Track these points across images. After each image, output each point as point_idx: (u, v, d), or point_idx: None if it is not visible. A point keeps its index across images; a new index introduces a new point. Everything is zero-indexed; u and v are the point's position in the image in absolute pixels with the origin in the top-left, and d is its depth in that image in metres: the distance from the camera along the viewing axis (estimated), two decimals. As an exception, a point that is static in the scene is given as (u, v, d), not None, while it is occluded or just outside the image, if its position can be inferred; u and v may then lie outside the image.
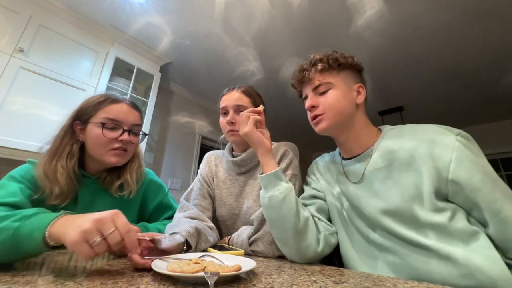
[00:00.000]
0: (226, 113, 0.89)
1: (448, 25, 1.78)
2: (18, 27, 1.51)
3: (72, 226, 0.39)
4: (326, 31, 1.87)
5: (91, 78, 1.80)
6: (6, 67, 1.43)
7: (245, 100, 0.87)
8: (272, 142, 0.89)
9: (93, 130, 0.69)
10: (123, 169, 0.75)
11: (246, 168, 0.87)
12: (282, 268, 0.55)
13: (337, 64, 0.68)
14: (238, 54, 2.15)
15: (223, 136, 0.95)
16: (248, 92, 0.89)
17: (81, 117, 0.70)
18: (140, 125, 0.78)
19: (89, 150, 0.71)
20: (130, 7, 1.71)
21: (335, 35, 1.89)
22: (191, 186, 0.92)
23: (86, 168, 0.74)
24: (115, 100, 0.73)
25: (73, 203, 0.68)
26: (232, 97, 0.88)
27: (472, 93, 2.63)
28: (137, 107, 0.78)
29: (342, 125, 0.68)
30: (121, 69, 2.03)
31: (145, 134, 0.80)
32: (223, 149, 0.99)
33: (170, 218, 0.84)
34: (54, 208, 0.64)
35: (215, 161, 0.97)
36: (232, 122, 0.85)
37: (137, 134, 0.76)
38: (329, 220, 0.74)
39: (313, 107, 0.69)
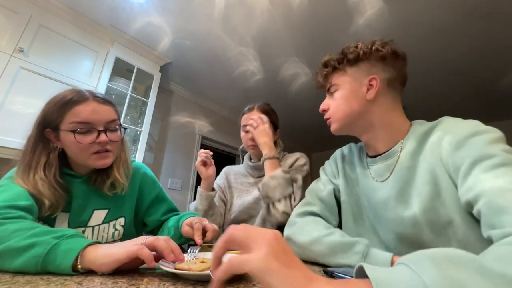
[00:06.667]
0: (247, 131, 1.04)
1: (448, 24, 1.78)
2: (18, 27, 1.51)
3: (102, 255, 0.42)
4: (326, 30, 1.87)
5: (91, 78, 1.80)
6: (6, 67, 1.43)
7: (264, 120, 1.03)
8: (285, 153, 1.08)
9: (67, 138, 0.62)
10: (110, 167, 0.71)
11: (262, 173, 0.98)
12: (282, 267, 0.54)
13: (347, 61, 0.63)
14: (238, 54, 2.15)
15: (242, 146, 1.13)
16: (266, 111, 1.05)
17: (50, 124, 0.62)
18: (116, 119, 0.70)
19: (71, 156, 0.66)
20: (130, 7, 1.71)
21: (335, 34, 1.89)
22: None
23: (74, 169, 0.69)
24: (80, 99, 0.63)
25: (67, 205, 0.66)
26: (253, 117, 1.02)
27: (474, 93, 2.62)
28: (108, 101, 0.69)
29: (355, 126, 0.65)
30: (121, 69, 2.02)
31: (125, 128, 0.73)
32: (242, 156, 1.19)
33: (168, 212, 0.85)
34: (48, 219, 0.62)
35: (234, 173, 1.14)
36: (253, 139, 1.00)
37: (115, 130, 0.69)
38: (338, 215, 0.72)
39: (324, 110, 0.68)
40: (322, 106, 0.69)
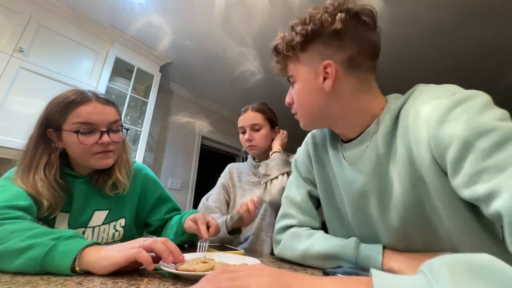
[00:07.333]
0: (244, 132, 1.05)
1: (448, 25, 1.77)
2: (18, 27, 1.51)
3: (100, 257, 0.42)
4: (326, 31, 1.87)
5: (91, 78, 1.80)
6: (6, 67, 1.43)
7: (258, 118, 1.03)
8: (289, 153, 1.07)
9: (69, 138, 0.62)
10: (111, 167, 0.71)
11: None
12: (282, 268, 0.54)
13: (296, 44, 0.50)
14: (238, 54, 2.15)
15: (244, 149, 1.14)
16: (261, 110, 1.05)
17: (52, 124, 0.62)
18: (119, 120, 0.70)
19: (73, 157, 0.66)
20: (130, 7, 1.71)
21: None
22: (211, 191, 1.12)
23: (75, 169, 0.69)
24: (83, 100, 0.63)
25: (68, 205, 0.65)
26: (247, 117, 1.04)
27: (472, 93, 2.63)
28: (110, 101, 0.69)
29: (321, 120, 0.56)
30: (121, 69, 2.02)
31: (127, 130, 0.73)
32: (246, 155, 1.20)
33: (172, 211, 0.85)
34: (47, 219, 0.62)
35: (238, 171, 1.14)
36: (250, 139, 1.02)
37: (117, 131, 0.69)
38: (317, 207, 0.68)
39: (289, 104, 0.59)
40: (287, 99, 0.59)
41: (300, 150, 0.71)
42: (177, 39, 2.01)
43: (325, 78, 0.49)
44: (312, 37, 0.49)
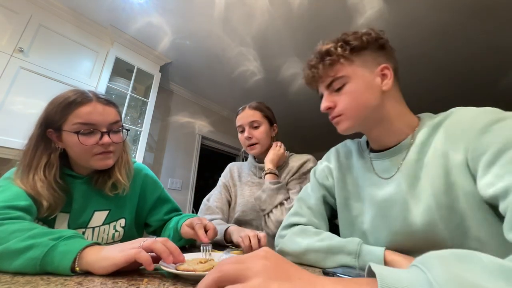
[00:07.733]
0: (243, 131, 1.04)
1: (448, 25, 1.77)
2: (18, 27, 1.51)
3: (100, 257, 0.42)
4: (326, 31, 1.87)
5: (91, 78, 1.80)
6: (6, 67, 1.43)
7: (257, 115, 1.02)
8: (292, 153, 1.08)
9: (69, 138, 0.62)
10: (111, 167, 0.70)
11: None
12: (282, 268, 0.54)
13: (350, 49, 0.56)
14: (238, 54, 2.15)
15: (244, 149, 1.11)
16: (258, 108, 1.04)
17: (52, 124, 0.62)
18: (119, 120, 0.69)
19: (73, 157, 0.66)
20: (130, 7, 1.71)
21: (335, 35, 1.88)
22: (213, 191, 1.11)
23: (74, 170, 0.69)
24: (84, 100, 0.63)
25: (67, 206, 0.65)
26: (245, 115, 1.03)
27: (473, 94, 2.62)
28: (111, 102, 0.68)
29: (367, 121, 0.58)
30: (121, 69, 2.02)
31: (127, 130, 0.73)
32: (246, 157, 1.19)
33: (171, 211, 0.85)
34: (47, 220, 0.62)
35: (238, 170, 1.14)
36: (250, 137, 1.01)
37: (117, 132, 0.69)
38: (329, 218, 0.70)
39: (329, 108, 0.59)
40: (327, 103, 0.59)
41: (322, 162, 0.75)
42: (177, 39, 2.01)
43: (381, 80, 0.56)
44: (366, 44, 0.56)
